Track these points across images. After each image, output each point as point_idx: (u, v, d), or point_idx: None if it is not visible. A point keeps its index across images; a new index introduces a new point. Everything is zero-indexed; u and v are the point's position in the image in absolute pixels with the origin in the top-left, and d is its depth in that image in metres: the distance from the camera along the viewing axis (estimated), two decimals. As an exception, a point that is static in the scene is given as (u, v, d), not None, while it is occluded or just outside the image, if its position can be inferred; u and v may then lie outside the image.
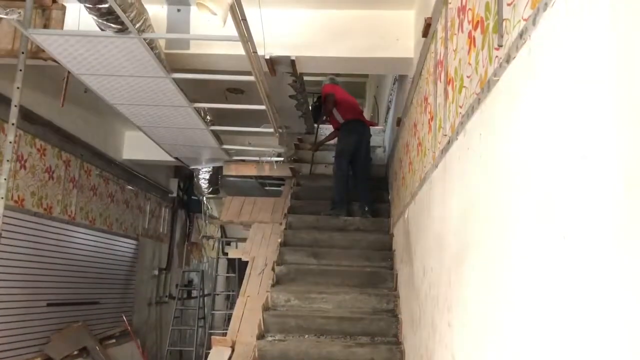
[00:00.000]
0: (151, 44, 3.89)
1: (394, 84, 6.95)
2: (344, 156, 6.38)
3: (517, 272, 1.51)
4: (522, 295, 1.47)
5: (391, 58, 4.68)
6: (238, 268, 11.19)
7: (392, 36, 4.63)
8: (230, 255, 7.99)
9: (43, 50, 4.47)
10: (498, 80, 1.77)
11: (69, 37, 3.76)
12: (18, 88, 4.29)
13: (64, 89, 5.14)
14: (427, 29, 3.50)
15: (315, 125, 7.75)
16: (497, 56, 1.80)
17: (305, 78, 6.89)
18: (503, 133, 1.72)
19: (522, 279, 1.46)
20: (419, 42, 4.03)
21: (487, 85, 1.91)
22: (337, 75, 7.05)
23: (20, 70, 4.32)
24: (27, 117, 5.78)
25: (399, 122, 5.40)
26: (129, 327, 8.19)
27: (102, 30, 3.67)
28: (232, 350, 5.25)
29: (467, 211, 2.18)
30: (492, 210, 1.81)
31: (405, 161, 4.81)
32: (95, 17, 3.49)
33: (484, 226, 1.91)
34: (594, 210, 1.04)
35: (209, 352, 5.47)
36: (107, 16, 3.41)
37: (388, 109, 7.32)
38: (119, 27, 3.55)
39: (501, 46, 1.75)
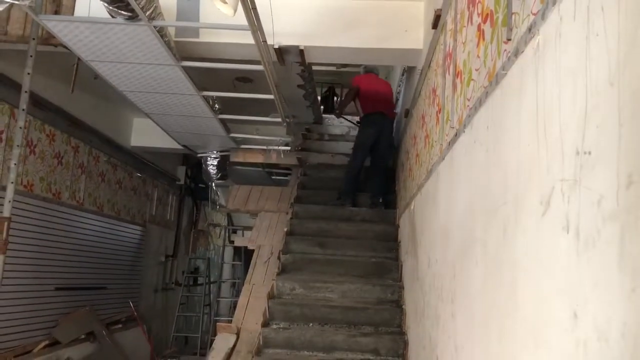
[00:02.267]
0: (161, 32, 3.90)
1: (402, 75, 6.94)
2: (361, 149, 6.39)
3: (521, 268, 1.52)
4: (526, 292, 1.48)
5: (400, 49, 4.67)
6: (244, 256, 11.28)
7: (402, 27, 4.61)
8: (237, 244, 8.03)
9: (53, 37, 4.49)
10: (506, 74, 1.77)
11: (79, 24, 3.78)
12: (29, 74, 4.33)
13: (74, 75, 5.17)
14: (437, 21, 3.49)
15: (324, 116, 7.76)
16: (505, 50, 1.81)
17: (315, 68, 6.89)
18: (509, 127, 1.72)
19: (526, 275, 1.48)
20: (428, 33, 4.03)
21: (495, 79, 1.92)
22: (345, 66, 7.01)
23: (31, 56, 4.35)
24: (37, 102, 5.81)
25: (407, 113, 5.40)
26: (135, 313, 8.27)
27: (112, 17, 3.68)
28: (237, 337, 5.30)
29: (473, 204, 2.19)
30: (496, 205, 1.83)
31: (412, 153, 4.81)
32: (105, 4, 3.50)
33: (489, 220, 1.93)
34: (596, 204, 1.05)
35: (214, 339, 5.53)
36: (118, 3, 3.42)
37: (397, 100, 7.30)
38: (129, 14, 3.56)
39: (510, 40, 1.75)
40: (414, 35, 4.58)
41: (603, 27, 1.08)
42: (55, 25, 3.82)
